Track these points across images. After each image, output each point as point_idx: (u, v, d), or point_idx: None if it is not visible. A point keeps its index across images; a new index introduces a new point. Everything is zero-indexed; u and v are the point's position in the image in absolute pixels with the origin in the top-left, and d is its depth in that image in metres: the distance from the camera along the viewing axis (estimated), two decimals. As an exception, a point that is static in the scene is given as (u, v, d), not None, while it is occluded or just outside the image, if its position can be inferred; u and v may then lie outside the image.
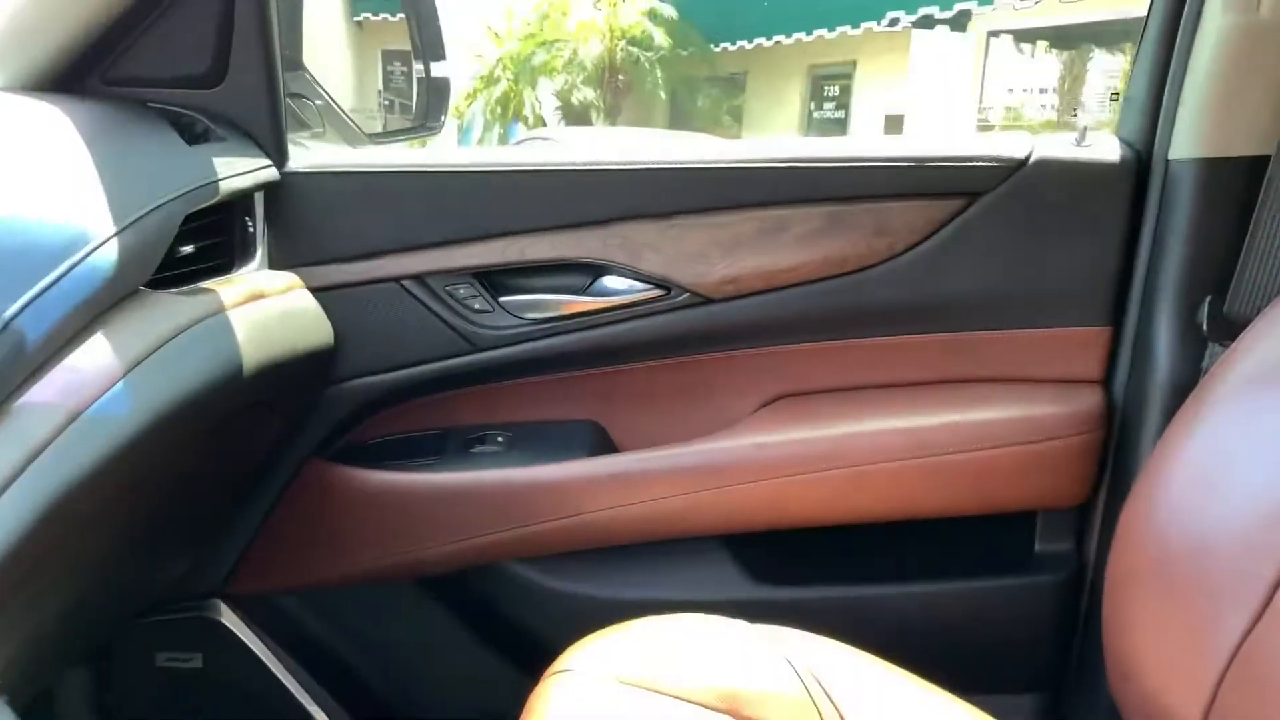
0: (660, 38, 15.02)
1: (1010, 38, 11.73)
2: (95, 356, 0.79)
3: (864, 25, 12.37)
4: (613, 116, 15.93)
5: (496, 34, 16.15)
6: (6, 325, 0.69)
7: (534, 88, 16.08)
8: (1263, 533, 0.84)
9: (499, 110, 15.96)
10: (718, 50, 15.24)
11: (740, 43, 14.68)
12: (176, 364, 0.88)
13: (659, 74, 15.35)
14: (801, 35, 13.32)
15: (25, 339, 0.70)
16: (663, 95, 15.55)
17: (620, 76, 15.76)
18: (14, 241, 0.75)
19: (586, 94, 15.79)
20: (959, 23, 11.72)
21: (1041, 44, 11.67)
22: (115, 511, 0.92)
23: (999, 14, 10.90)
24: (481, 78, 15.91)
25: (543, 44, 15.75)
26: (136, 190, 0.90)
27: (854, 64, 13.68)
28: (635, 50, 15.44)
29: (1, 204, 0.77)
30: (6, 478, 0.67)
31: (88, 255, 0.79)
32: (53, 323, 0.74)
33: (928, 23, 11.72)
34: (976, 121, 11.77)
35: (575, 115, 16.00)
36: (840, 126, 14.03)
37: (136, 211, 0.87)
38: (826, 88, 14.51)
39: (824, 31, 12.94)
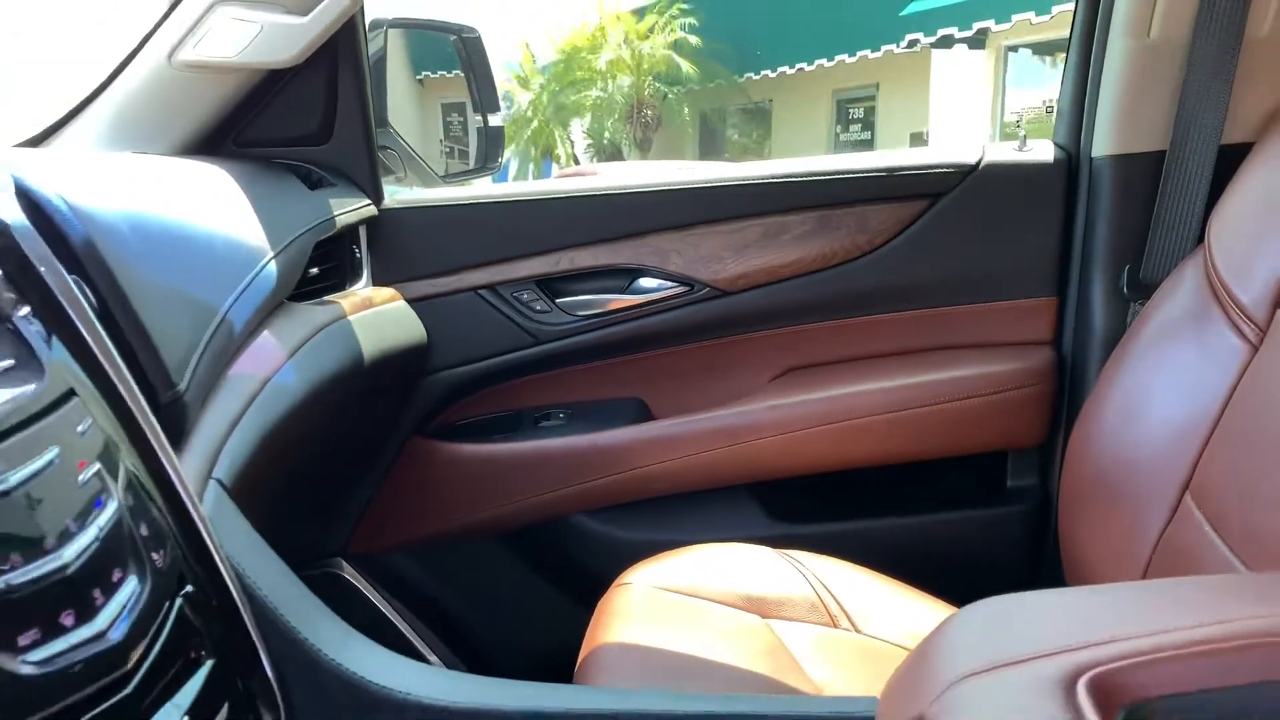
0: (687, 71, 15.25)
1: (1028, 51, 11.79)
2: (270, 343, 1.07)
3: (884, 48, 12.36)
4: (643, 150, 16.15)
5: (523, 79, 16.40)
6: (224, 316, 0.96)
7: (565, 127, 16.36)
8: (1172, 449, 1.08)
9: (531, 150, 16.24)
10: (743, 80, 15.42)
11: (765, 72, 14.76)
12: (320, 353, 1.17)
13: (686, 107, 15.56)
14: (824, 61, 13.38)
15: (234, 326, 0.98)
16: (690, 130, 15.73)
17: (649, 111, 16.00)
18: (219, 252, 1.02)
19: (616, 129, 16.05)
20: (978, 40, 11.76)
21: (1059, 55, 11.74)
22: (275, 471, 1.19)
23: (1016, 28, 10.91)
24: (513, 120, 16.21)
25: (571, 83, 16.02)
26: (281, 225, 1.18)
27: (877, 86, 13.73)
28: (662, 85, 15.68)
29: (206, 223, 1.03)
30: (232, 420, 0.94)
31: (262, 269, 1.07)
32: (247, 315, 1.01)
33: (947, 42, 11.73)
34: (1001, 132, 11.77)
35: (606, 151, 16.23)
36: (866, 147, 13.98)
37: (284, 240, 1.16)
38: (851, 110, 14.54)
39: (845, 56, 13.00)
